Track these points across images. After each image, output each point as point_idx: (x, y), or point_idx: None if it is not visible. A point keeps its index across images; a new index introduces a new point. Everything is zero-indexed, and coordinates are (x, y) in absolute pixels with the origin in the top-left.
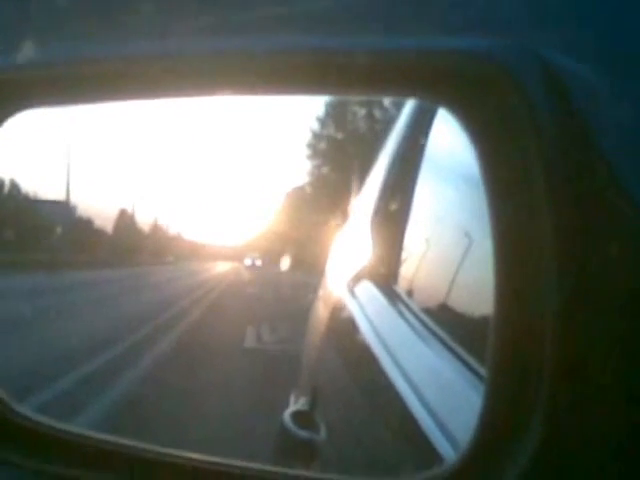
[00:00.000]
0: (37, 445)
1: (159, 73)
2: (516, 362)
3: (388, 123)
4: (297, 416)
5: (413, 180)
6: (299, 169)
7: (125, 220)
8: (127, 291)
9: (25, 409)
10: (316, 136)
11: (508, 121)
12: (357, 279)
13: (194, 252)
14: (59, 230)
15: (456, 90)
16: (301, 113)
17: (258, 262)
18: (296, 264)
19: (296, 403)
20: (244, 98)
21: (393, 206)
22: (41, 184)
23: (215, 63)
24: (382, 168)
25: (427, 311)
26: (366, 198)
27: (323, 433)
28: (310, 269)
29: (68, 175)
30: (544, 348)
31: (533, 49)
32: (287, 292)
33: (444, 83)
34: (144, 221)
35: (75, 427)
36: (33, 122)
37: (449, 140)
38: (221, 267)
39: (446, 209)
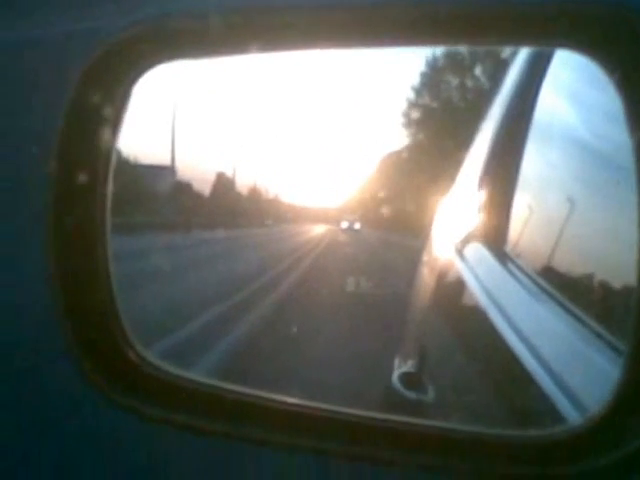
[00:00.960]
0: (160, 393)
1: (275, 25)
2: None
3: (480, 92)
4: (405, 377)
5: (521, 141)
6: (395, 135)
7: (223, 183)
8: (233, 252)
9: (152, 356)
10: (411, 105)
11: None
12: (466, 241)
13: (291, 214)
14: (163, 195)
15: (598, 35)
16: (398, 80)
17: (357, 225)
18: (390, 225)
19: (402, 365)
20: (350, 56)
21: (501, 169)
22: (143, 148)
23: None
24: (489, 130)
25: (540, 272)
26: (473, 161)
27: (431, 394)
28: (405, 231)
29: (173, 140)
30: None
31: None
32: (380, 250)
33: (588, 30)
34: (243, 183)
35: (192, 374)
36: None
37: (558, 103)
38: (318, 229)
39: (555, 173)
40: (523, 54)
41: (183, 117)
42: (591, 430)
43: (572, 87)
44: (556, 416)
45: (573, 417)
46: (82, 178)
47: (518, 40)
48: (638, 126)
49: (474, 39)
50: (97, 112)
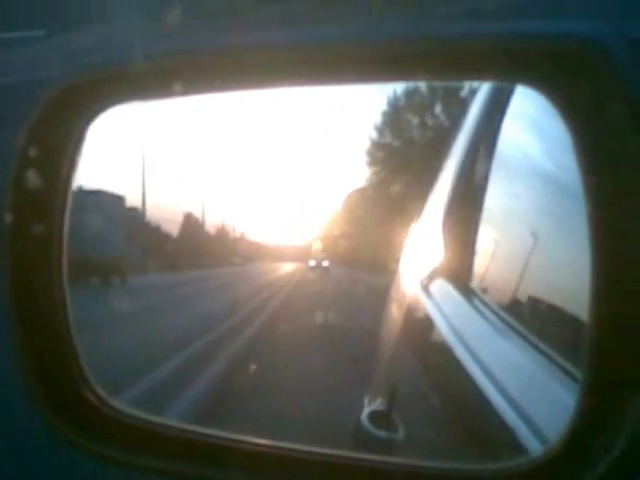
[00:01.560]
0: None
1: (233, 65)
2: (614, 361)
3: (440, 129)
4: (375, 416)
5: (485, 175)
6: (359, 173)
7: (191, 223)
8: (203, 292)
9: (118, 403)
10: (374, 143)
11: (603, 101)
12: (431, 278)
13: (259, 253)
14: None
15: (552, 71)
16: (362, 119)
17: (325, 262)
18: (357, 262)
19: (372, 403)
20: (312, 95)
21: (465, 204)
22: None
23: (294, 53)
24: (453, 165)
25: (505, 307)
26: (438, 196)
27: (401, 432)
28: (367, 267)
29: (143, 181)
30: None
31: (624, 30)
32: (347, 287)
33: (539, 65)
34: (211, 223)
35: (163, 419)
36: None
37: (520, 136)
38: (286, 268)
39: (518, 206)
40: (484, 88)
41: (149, 157)
42: (550, 460)
43: (533, 119)
44: (519, 448)
45: (535, 448)
46: (39, 223)
47: (479, 75)
48: (588, 169)
49: (435, 75)
50: (54, 152)
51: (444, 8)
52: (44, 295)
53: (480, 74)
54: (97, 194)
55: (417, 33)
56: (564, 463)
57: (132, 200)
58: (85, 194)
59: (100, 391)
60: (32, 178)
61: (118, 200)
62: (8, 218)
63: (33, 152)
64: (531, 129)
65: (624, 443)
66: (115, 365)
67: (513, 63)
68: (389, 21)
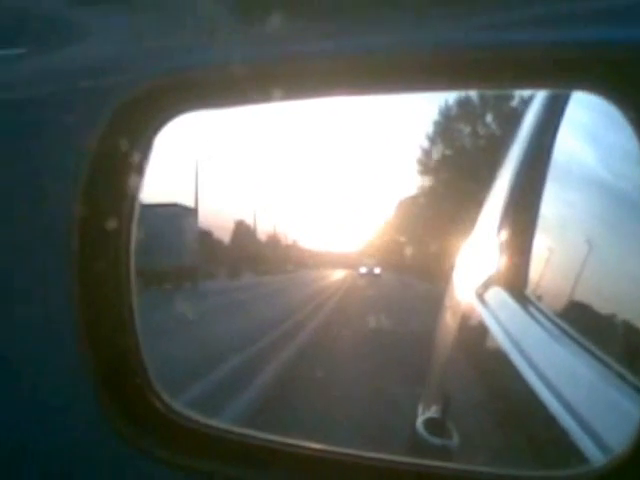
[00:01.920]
0: (187, 440)
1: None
2: None
3: (491, 138)
4: (430, 424)
5: (540, 183)
6: (411, 181)
7: (242, 230)
8: (258, 298)
9: (178, 404)
10: (426, 152)
11: None
12: (486, 286)
13: (310, 260)
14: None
15: (618, 78)
16: (414, 129)
17: (377, 270)
18: (409, 270)
19: (427, 411)
20: (366, 103)
21: (520, 212)
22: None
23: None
24: (508, 173)
25: (561, 314)
26: (493, 204)
27: (456, 439)
28: (423, 275)
29: (196, 190)
30: None
31: None
32: (398, 293)
33: (603, 72)
34: (263, 230)
35: (220, 422)
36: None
37: (575, 144)
38: (337, 274)
39: (573, 214)
40: (540, 96)
41: (205, 166)
42: (614, 470)
43: (590, 127)
44: (580, 457)
45: (596, 457)
46: (108, 224)
47: (534, 84)
48: None
49: (489, 83)
50: (122, 160)
51: (504, 13)
52: (112, 306)
53: (537, 82)
54: (174, 206)
55: (469, 41)
56: (627, 473)
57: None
58: (162, 207)
59: (165, 396)
60: (101, 186)
61: (191, 212)
62: (77, 228)
63: (102, 160)
64: (586, 137)
65: None
66: (176, 368)
67: (574, 70)
68: (439, 29)
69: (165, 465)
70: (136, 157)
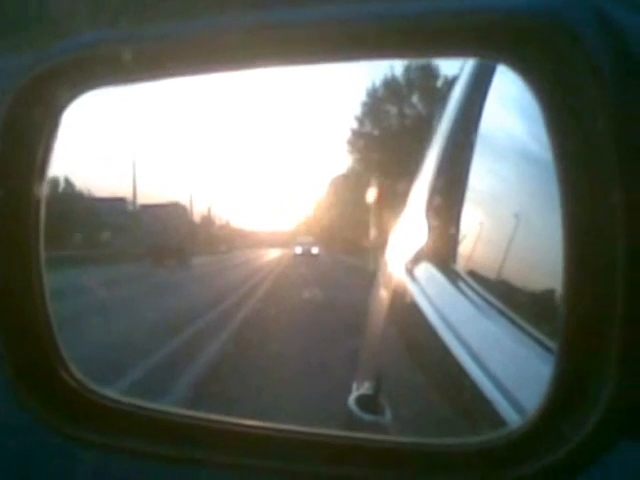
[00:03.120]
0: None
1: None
2: (587, 329)
3: (416, 119)
4: (362, 400)
5: (469, 157)
6: (341, 161)
7: (176, 212)
8: (188, 280)
9: (109, 391)
10: (355, 133)
11: (570, 73)
12: (416, 261)
13: (244, 239)
14: (117, 228)
15: (518, 46)
16: (342, 110)
17: (314, 249)
18: (344, 248)
19: (360, 388)
20: (294, 75)
21: (448, 187)
22: (95, 181)
23: (262, 34)
24: (437, 149)
25: (488, 287)
26: (424, 180)
27: (389, 416)
28: (358, 253)
29: (134, 171)
30: (615, 314)
31: (588, 2)
32: (328, 269)
33: (506, 40)
34: (196, 211)
35: (132, 399)
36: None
37: (503, 117)
38: (272, 254)
39: (501, 187)
40: (466, 71)
41: (132, 144)
42: (529, 431)
43: (517, 100)
44: (500, 421)
45: (514, 420)
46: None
47: (454, 52)
48: (556, 133)
49: (412, 52)
50: (29, 136)
51: None
52: (20, 281)
53: (457, 51)
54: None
55: (393, 11)
56: (540, 435)
57: (122, 190)
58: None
59: (75, 371)
60: (8, 166)
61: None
62: None
63: (7, 139)
64: (514, 109)
65: (600, 415)
66: (104, 355)
67: (486, 39)
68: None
69: (77, 443)
70: (43, 135)
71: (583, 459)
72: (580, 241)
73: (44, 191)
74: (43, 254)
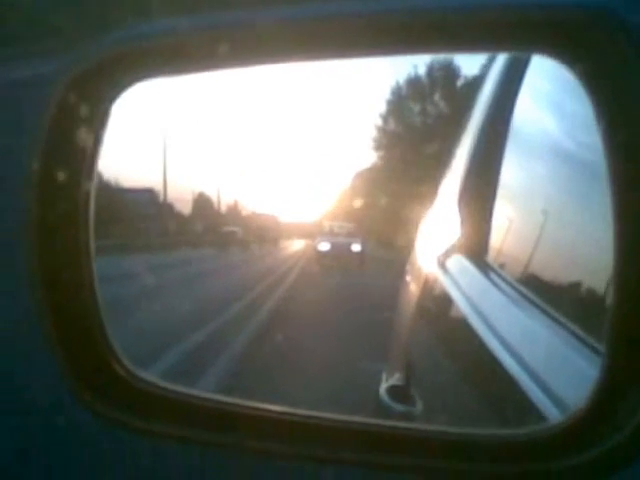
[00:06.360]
0: (157, 409)
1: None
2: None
3: (439, 117)
4: (393, 391)
5: (501, 152)
6: (366, 156)
7: (202, 202)
8: (218, 269)
9: (146, 374)
10: (379, 130)
11: (620, 64)
12: (448, 254)
13: (273, 231)
14: (148, 218)
15: (568, 41)
16: (368, 107)
17: (355, 245)
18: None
19: (390, 378)
20: (323, 72)
21: (481, 180)
22: (125, 173)
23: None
24: (467, 145)
25: (521, 279)
26: (454, 174)
27: (420, 406)
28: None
29: (165, 164)
30: None
31: None
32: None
33: (556, 35)
34: (224, 201)
35: (181, 387)
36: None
37: (537, 112)
38: (297, 245)
39: (534, 182)
40: (499, 63)
41: (163, 137)
42: (571, 426)
43: (551, 96)
44: (539, 415)
45: (554, 416)
46: (64, 201)
47: (492, 46)
48: (607, 126)
49: (445, 47)
50: (79, 129)
51: None
52: (70, 269)
53: (492, 45)
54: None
55: (423, 4)
56: (582, 431)
57: (150, 181)
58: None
59: (125, 360)
60: (58, 159)
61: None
62: (34, 195)
63: (57, 132)
64: (548, 105)
65: None
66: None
67: (531, 32)
68: None
69: (131, 430)
70: (92, 127)
71: (628, 456)
72: (632, 232)
73: (94, 184)
74: (93, 246)
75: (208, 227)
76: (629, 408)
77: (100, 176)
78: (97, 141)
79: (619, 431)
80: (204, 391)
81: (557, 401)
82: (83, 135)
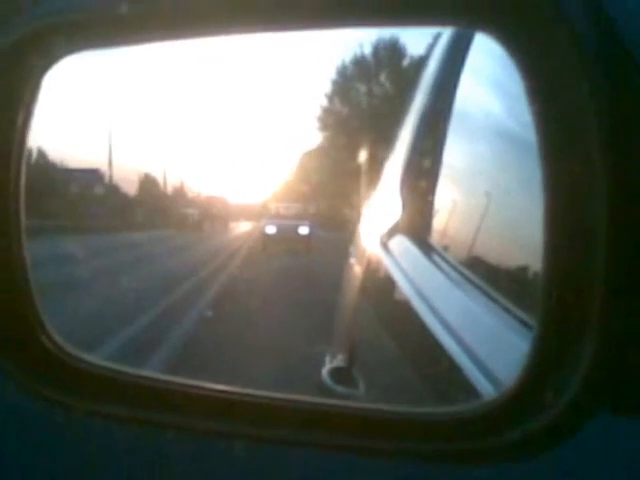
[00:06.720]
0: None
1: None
2: (566, 300)
3: (384, 98)
4: (335, 373)
5: (443, 134)
6: (312, 137)
7: (148, 184)
8: (163, 251)
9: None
10: (325, 111)
11: (551, 40)
12: (391, 235)
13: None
14: (95, 198)
15: (500, 13)
16: (312, 87)
17: (303, 228)
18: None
19: (333, 360)
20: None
21: (423, 162)
22: (68, 151)
23: None
24: (410, 125)
25: (463, 261)
26: (398, 155)
27: (362, 388)
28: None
29: (110, 142)
30: (594, 284)
31: None
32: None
33: (489, 7)
34: (170, 183)
35: (128, 368)
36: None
37: (479, 92)
38: (244, 227)
39: (477, 163)
40: (441, 45)
41: (109, 116)
42: (504, 402)
43: (494, 76)
44: (474, 393)
45: (489, 392)
46: None
47: (429, 20)
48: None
49: (387, 20)
50: (6, 103)
51: None
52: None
53: (438, 18)
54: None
55: None
56: (516, 407)
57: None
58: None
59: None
60: None
61: None
62: None
63: None
64: (491, 85)
65: (575, 388)
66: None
67: (469, 6)
68: None
69: (57, 406)
70: (21, 102)
71: (561, 430)
72: (561, 207)
73: (25, 159)
74: (24, 222)
75: (156, 209)
76: (555, 387)
77: (44, 155)
78: (28, 113)
79: (548, 408)
80: (136, 368)
81: (493, 379)
82: (14, 106)
